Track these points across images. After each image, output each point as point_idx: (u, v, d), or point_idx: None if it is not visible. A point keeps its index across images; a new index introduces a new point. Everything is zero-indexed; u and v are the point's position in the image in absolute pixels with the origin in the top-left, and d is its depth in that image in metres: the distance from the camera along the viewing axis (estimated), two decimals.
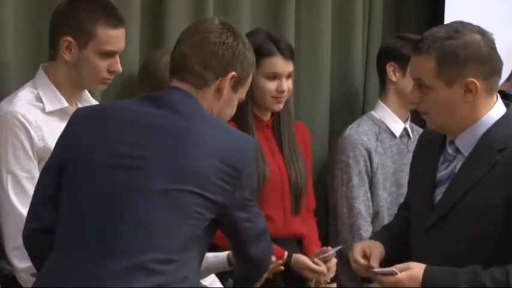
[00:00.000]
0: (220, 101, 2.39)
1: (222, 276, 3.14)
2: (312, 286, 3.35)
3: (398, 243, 2.75)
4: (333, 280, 3.40)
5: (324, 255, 3.34)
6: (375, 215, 3.67)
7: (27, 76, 3.01)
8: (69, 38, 2.86)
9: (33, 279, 2.62)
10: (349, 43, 3.98)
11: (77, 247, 2.24)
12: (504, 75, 3.66)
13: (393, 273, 2.51)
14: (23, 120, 2.82)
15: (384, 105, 3.77)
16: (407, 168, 3.70)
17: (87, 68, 2.89)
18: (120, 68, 2.93)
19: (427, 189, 2.61)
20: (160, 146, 2.25)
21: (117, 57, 2.92)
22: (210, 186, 2.24)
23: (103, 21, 2.87)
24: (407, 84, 3.61)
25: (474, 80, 2.47)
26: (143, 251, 2.18)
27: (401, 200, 3.64)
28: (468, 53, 2.48)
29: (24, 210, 2.72)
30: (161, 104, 2.32)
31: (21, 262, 2.78)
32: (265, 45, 3.36)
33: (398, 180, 3.73)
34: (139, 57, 3.32)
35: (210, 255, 2.92)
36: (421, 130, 3.83)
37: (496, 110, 2.54)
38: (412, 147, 3.74)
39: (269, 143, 3.45)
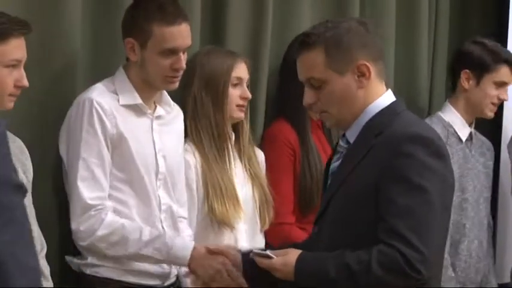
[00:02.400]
0: None
1: None
2: None
3: None
4: None
5: None
6: None
7: (102, 76, 3.05)
8: (131, 39, 2.91)
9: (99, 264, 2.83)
10: (415, 44, 3.99)
11: None
12: None
13: (269, 257, 2.49)
14: (98, 107, 2.85)
15: (453, 108, 3.77)
16: (471, 173, 3.77)
17: (151, 68, 2.92)
18: (183, 65, 2.92)
19: (322, 185, 2.63)
20: None
21: (181, 55, 2.91)
22: None
23: (158, 20, 2.88)
24: (479, 94, 3.72)
25: (365, 62, 2.45)
26: None
27: (465, 204, 3.72)
28: (351, 37, 2.47)
29: (88, 194, 2.83)
30: None
31: (84, 241, 2.85)
32: None
33: (462, 185, 3.72)
34: None
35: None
36: (481, 136, 3.85)
37: (385, 99, 2.50)
38: (474, 151, 3.78)
39: (321, 143, 3.48)
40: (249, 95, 3.23)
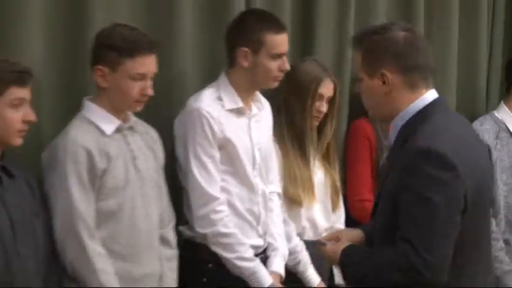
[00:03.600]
0: None
1: None
2: None
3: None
4: None
5: None
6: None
7: (204, 80, 3.41)
8: (244, 48, 3.26)
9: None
10: (475, 51, 4.29)
11: None
12: None
13: (324, 244, 2.73)
14: (207, 115, 3.22)
15: (506, 108, 4.12)
16: None
17: (262, 71, 3.28)
18: (288, 66, 3.30)
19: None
20: None
21: (285, 58, 3.29)
22: None
23: (268, 29, 3.26)
24: None
25: (388, 72, 2.53)
26: None
27: None
28: (387, 45, 2.54)
29: (207, 187, 3.23)
30: None
31: (203, 229, 3.25)
32: None
33: None
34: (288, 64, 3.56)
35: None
36: None
37: (418, 104, 2.57)
38: None
39: None
40: (324, 110, 3.56)
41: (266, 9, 3.56)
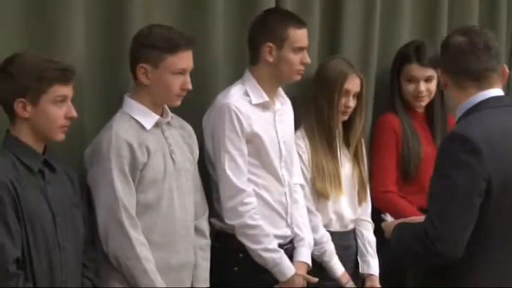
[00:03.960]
0: None
1: None
2: None
3: None
4: None
5: None
6: None
7: (234, 73, 3.52)
8: (270, 44, 3.39)
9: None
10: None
11: None
12: None
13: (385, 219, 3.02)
14: (236, 110, 3.34)
15: None
16: None
17: (286, 65, 3.41)
18: (309, 59, 3.44)
19: None
20: None
21: (306, 51, 3.43)
22: None
23: (291, 25, 3.40)
24: None
25: (440, 72, 2.84)
26: None
27: None
28: (446, 51, 2.83)
29: (235, 180, 3.34)
30: None
31: (231, 220, 3.37)
32: (407, 54, 3.91)
33: None
34: (317, 62, 3.77)
35: None
36: None
37: (472, 101, 2.78)
38: None
39: (424, 131, 3.99)
40: (351, 105, 3.67)
41: (296, 8, 3.69)
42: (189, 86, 3.17)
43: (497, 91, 2.81)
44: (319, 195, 3.70)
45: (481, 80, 2.78)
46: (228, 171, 3.35)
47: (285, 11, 3.55)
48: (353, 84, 3.70)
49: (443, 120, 4.01)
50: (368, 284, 3.83)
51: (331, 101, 3.67)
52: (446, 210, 2.65)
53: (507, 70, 2.88)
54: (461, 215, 2.65)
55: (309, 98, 3.73)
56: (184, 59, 3.14)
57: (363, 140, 3.86)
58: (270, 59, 3.42)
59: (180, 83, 3.15)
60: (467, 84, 2.79)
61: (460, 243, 2.66)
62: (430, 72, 3.91)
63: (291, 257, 3.52)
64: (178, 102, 3.21)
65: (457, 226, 2.64)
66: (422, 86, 3.90)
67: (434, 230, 2.65)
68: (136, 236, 3.07)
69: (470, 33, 2.82)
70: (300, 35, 3.43)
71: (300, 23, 3.45)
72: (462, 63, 2.78)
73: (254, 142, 3.40)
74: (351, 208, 3.80)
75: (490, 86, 2.79)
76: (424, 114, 4.02)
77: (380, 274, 3.83)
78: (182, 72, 3.14)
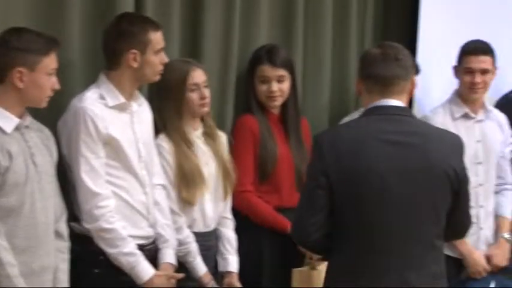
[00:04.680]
0: None
1: None
2: (306, 257, 3.90)
3: None
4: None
5: None
6: None
7: (91, 77, 3.50)
8: (134, 51, 3.42)
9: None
10: (345, 56, 4.59)
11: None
12: None
13: None
14: (91, 113, 3.35)
15: None
16: None
17: (150, 68, 3.46)
18: (167, 59, 3.49)
19: None
20: None
21: (163, 51, 3.47)
22: None
23: (151, 28, 3.44)
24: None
25: (359, 80, 3.11)
26: None
27: None
28: (362, 60, 3.14)
29: (91, 183, 3.35)
30: None
31: (88, 224, 3.37)
32: (259, 55, 4.03)
33: None
34: None
35: None
36: None
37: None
38: None
39: (279, 132, 4.10)
40: (206, 95, 3.71)
41: (155, 13, 3.73)
42: (58, 86, 3.20)
43: (393, 101, 3.04)
44: (184, 200, 3.73)
45: (387, 85, 3.03)
46: (84, 175, 3.36)
47: (139, 16, 3.57)
48: (198, 77, 3.74)
49: (296, 121, 4.14)
50: (226, 281, 3.88)
51: (179, 101, 3.71)
52: (299, 201, 3.08)
53: (416, 81, 3.16)
54: (306, 204, 3.01)
55: (163, 100, 3.74)
56: (55, 59, 3.18)
57: (222, 134, 3.91)
58: (135, 65, 3.44)
59: (51, 84, 3.18)
60: (374, 89, 3.04)
61: (304, 228, 3.02)
62: (282, 72, 4.04)
63: (154, 257, 3.55)
64: (45, 104, 3.22)
65: (303, 214, 3.02)
66: (275, 86, 4.02)
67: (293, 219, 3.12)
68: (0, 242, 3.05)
69: (384, 46, 3.12)
70: (159, 37, 3.48)
71: (156, 25, 3.50)
72: (373, 69, 3.05)
73: (112, 144, 3.41)
74: (214, 206, 3.84)
75: (392, 95, 3.04)
76: (278, 116, 4.13)
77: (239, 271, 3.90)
78: (53, 72, 3.18)
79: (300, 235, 3.05)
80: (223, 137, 3.93)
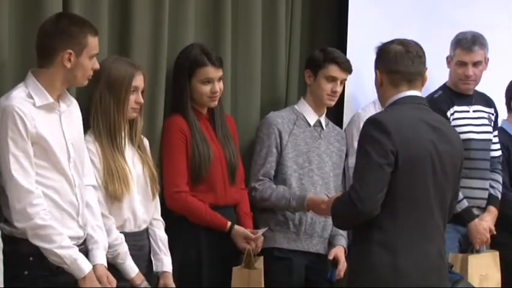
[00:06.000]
0: None
1: None
2: (245, 255, 3.99)
3: None
4: (259, 255, 4.10)
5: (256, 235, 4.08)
6: None
7: (20, 76, 3.48)
8: (69, 50, 3.40)
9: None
10: (275, 55, 4.64)
11: None
12: None
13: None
14: (19, 111, 3.31)
15: (304, 101, 4.43)
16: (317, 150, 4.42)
17: (81, 71, 3.45)
18: (98, 65, 3.51)
19: None
20: None
21: (95, 57, 3.49)
22: None
23: (89, 32, 3.44)
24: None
25: (380, 73, 3.50)
26: None
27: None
28: (384, 55, 3.51)
29: (22, 181, 3.30)
30: None
31: (21, 223, 3.33)
32: (199, 57, 4.05)
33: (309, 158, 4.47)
34: None
35: None
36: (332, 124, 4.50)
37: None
38: (324, 136, 4.41)
39: (208, 131, 4.13)
40: (142, 101, 3.78)
41: (84, 12, 3.72)
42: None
43: (417, 92, 3.50)
44: (112, 196, 3.71)
45: (412, 81, 3.47)
46: (14, 173, 3.31)
47: (79, 18, 3.55)
48: (140, 81, 3.78)
49: (221, 117, 4.19)
50: (162, 281, 3.89)
51: (120, 100, 3.72)
52: (363, 177, 3.32)
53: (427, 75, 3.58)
54: (375, 181, 3.31)
55: (95, 99, 3.74)
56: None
57: (143, 137, 3.92)
58: (68, 65, 3.42)
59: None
60: (401, 83, 3.46)
61: (374, 203, 3.32)
62: (221, 71, 4.09)
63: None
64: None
65: (371, 189, 3.31)
66: (217, 87, 4.07)
67: (355, 193, 3.33)
68: None
69: (404, 43, 3.52)
70: (95, 43, 3.48)
71: (95, 30, 3.50)
72: (400, 66, 3.46)
73: (40, 144, 3.38)
74: (144, 207, 3.84)
75: (415, 87, 3.48)
76: (206, 115, 4.16)
77: (173, 271, 3.90)
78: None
79: (371, 209, 3.32)
80: (145, 140, 3.95)
